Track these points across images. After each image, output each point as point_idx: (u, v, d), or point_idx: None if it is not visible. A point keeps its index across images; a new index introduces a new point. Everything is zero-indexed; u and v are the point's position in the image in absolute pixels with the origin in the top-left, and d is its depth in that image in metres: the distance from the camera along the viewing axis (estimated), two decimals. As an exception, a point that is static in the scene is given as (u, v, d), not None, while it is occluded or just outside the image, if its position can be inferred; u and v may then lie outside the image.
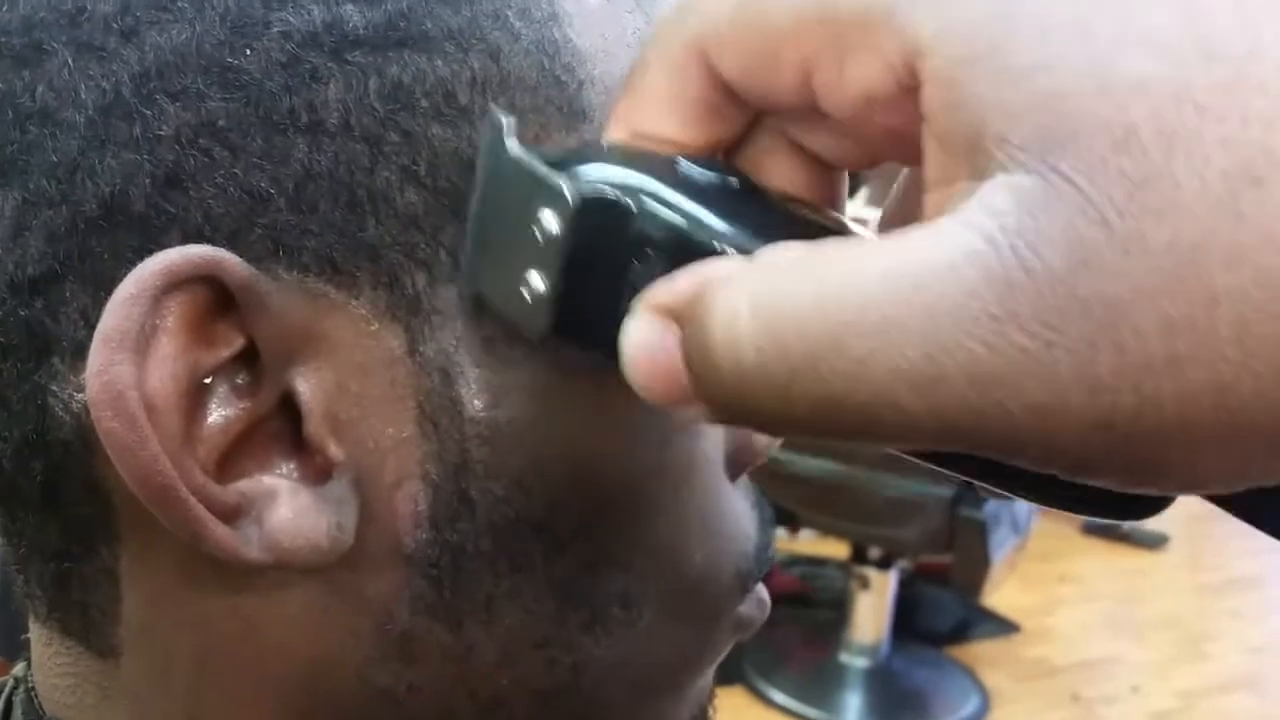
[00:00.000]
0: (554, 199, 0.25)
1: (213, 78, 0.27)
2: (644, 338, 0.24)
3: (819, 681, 2.73)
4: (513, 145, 0.26)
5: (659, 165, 0.26)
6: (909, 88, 0.22)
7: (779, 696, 2.67)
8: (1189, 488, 0.21)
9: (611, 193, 0.25)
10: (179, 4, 0.27)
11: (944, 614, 3.00)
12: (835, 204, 0.28)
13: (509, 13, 0.29)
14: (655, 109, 0.26)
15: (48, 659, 0.34)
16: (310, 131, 0.27)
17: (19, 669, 0.38)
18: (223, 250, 0.27)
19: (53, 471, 0.29)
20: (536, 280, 0.26)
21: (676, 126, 0.26)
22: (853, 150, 0.26)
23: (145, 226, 0.27)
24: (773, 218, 0.26)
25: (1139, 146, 0.19)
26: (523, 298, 0.26)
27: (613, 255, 0.25)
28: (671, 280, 0.24)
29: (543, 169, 0.25)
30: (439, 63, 0.28)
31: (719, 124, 0.26)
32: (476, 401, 0.29)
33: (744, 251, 0.24)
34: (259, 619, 0.30)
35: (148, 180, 0.27)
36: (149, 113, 0.27)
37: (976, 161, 0.20)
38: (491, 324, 0.29)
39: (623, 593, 0.33)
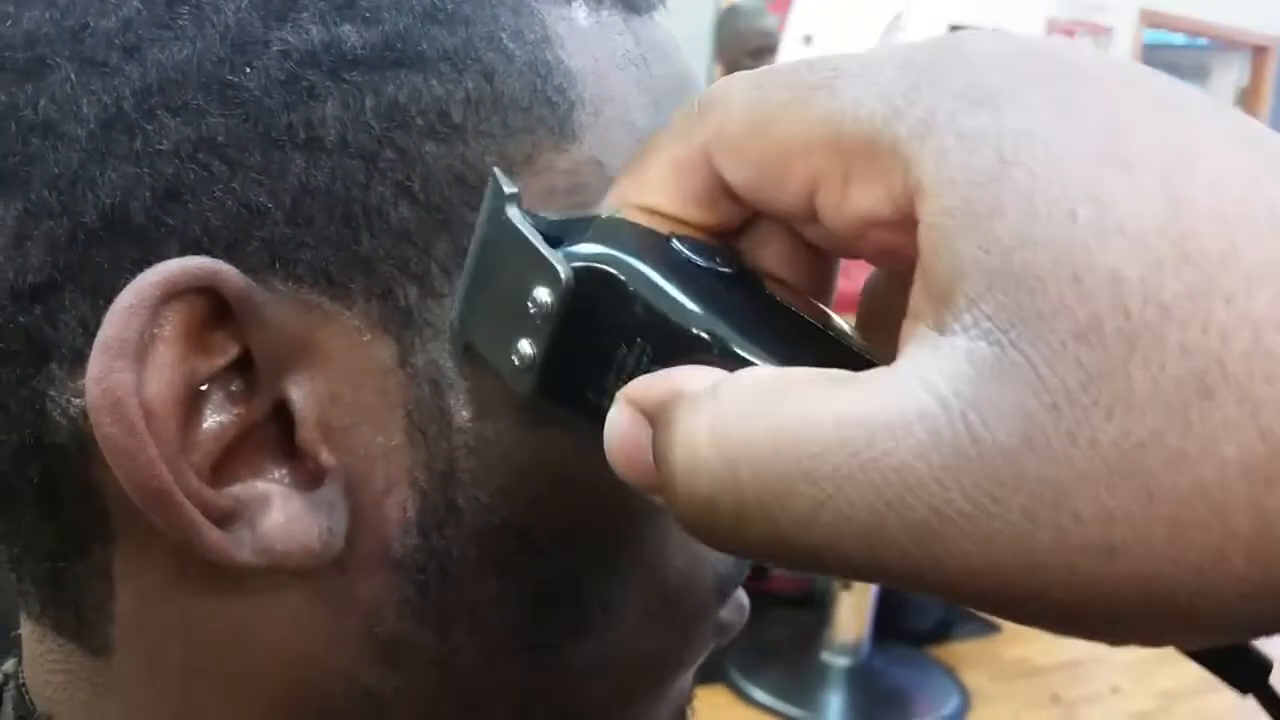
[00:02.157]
0: (548, 276, 0.26)
1: (213, 94, 0.28)
2: (623, 428, 0.25)
3: (800, 680, 2.74)
4: (513, 214, 0.27)
5: (653, 244, 0.27)
6: (908, 216, 0.22)
7: (761, 695, 2.68)
8: (1123, 644, 0.22)
9: (603, 274, 0.26)
10: (180, 22, 0.28)
11: (925, 613, 3.02)
12: (827, 286, 0.29)
13: (503, 35, 0.30)
14: (657, 193, 0.27)
15: (39, 656, 0.35)
16: (307, 148, 0.28)
17: (9, 665, 0.38)
18: (220, 262, 0.27)
19: (49, 474, 0.30)
20: (526, 347, 0.27)
21: (677, 208, 0.27)
22: (844, 242, 0.27)
23: (144, 238, 0.28)
24: (758, 308, 0.27)
25: (1100, 340, 0.19)
26: (512, 361, 0.28)
27: (601, 333, 0.26)
28: (648, 382, 0.25)
29: (540, 245, 0.26)
30: (434, 82, 0.29)
31: (718, 214, 0.27)
32: (464, 412, 0.30)
33: (724, 343, 0.25)
34: (249, 620, 0.31)
35: (148, 193, 0.28)
36: (150, 127, 0.28)
37: (945, 311, 0.21)
38: None
39: (604, 598, 0.34)
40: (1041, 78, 0.22)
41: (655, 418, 0.24)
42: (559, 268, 0.26)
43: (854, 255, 0.27)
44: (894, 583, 0.22)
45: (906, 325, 0.22)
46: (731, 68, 3.02)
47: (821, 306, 0.28)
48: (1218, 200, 0.20)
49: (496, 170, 0.28)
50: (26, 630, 0.36)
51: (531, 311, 0.27)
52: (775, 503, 0.21)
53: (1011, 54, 0.23)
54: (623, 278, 0.26)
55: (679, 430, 0.23)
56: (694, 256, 0.27)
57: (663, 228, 0.27)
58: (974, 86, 0.22)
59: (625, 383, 0.25)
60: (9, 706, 0.37)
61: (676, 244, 0.27)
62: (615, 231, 0.27)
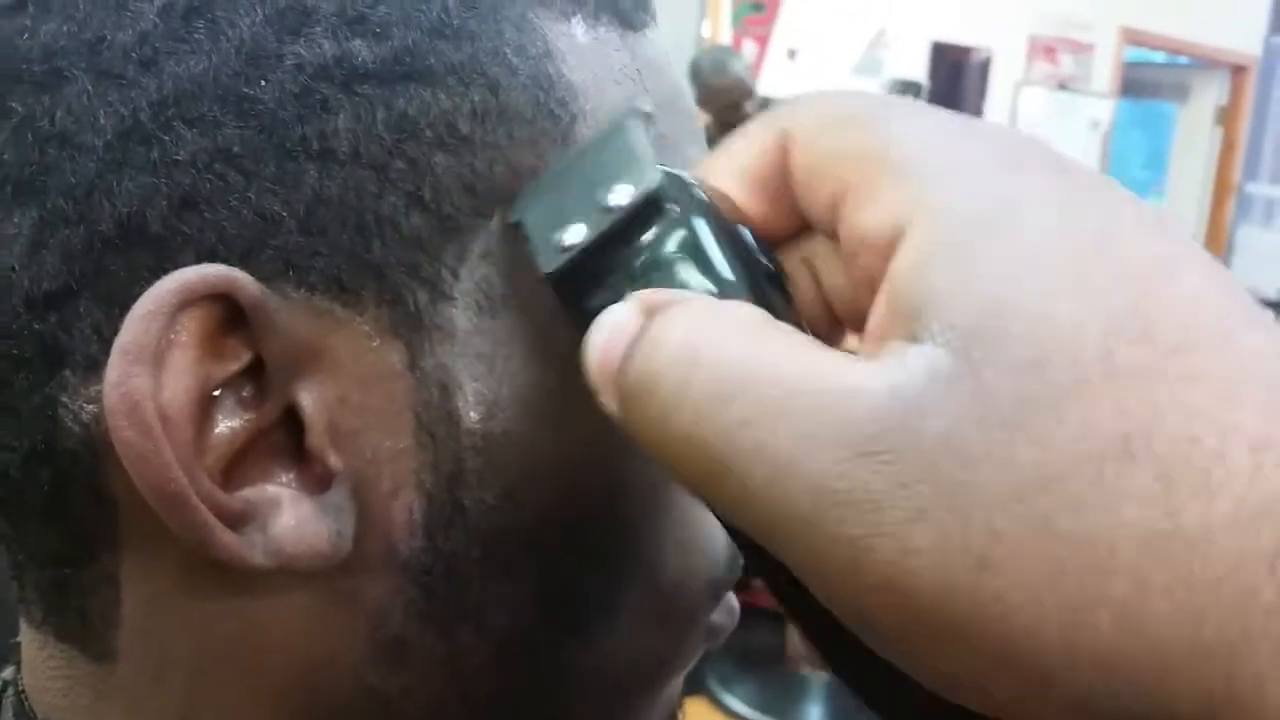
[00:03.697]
0: (638, 175, 0.28)
1: (228, 106, 0.28)
2: (617, 319, 0.26)
3: (780, 692, 2.75)
4: (634, 123, 0.29)
5: (725, 219, 0.28)
6: (893, 243, 0.24)
7: (740, 707, 2.68)
8: (934, 685, 0.22)
9: (681, 208, 0.28)
10: (196, 36, 0.29)
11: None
12: (841, 333, 0.30)
13: (507, 50, 0.31)
14: (730, 168, 0.29)
15: (40, 662, 0.35)
16: (321, 159, 0.29)
17: (8, 672, 0.38)
18: (236, 270, 0.28)
19: (59, 480, 0.30)
20: (576, 233, 0.28)
21: (739, 189, 0.29)
22: (850, 304, 0.28)
23: (161, 246, 0.28)
24: (778, 308, 0.28)
25: (1046, 375, 0.20)
26: (556, 240, 0.29)
27: (645, 253, 0.28)
28: (662, 291, 0.26)
29: (648, 149, 0.28)
30: (442, 96, 0.30)
31: (772, 209, 0.29)
32: (472, 414, 0.31)
33: None
34: (257, 622, 0.31)
35: (164, 202, 0.28)
36: (166, 138, 0.28)
37: (913, 326, 0.22)
38: (488, 339, 0.30)
39: (603, 600, 0.35)
40: (1073, 177, 0.24)
41: (648, 314, 0.25)
42: (653, 169, 0.28)
43: (854, 318, 0.28)
44: (761, 530, 0.22)
45: (864, 348, 0.24)
46: (715, 118, 2.96)
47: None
48: (1188, 310, 0.21)
49: (639, 102, 0.29)
50: (27, 637, 0.36)
51: (602, 202, 0.28)
52: (710, 403, 0.23)
53: (1049, 151, 0.25)
54: (693, 219, 0.28)
55: (663, 315, 0.25)
56: (755, 247, 0.28)
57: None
58: (1006, 150, 0.24)
59: None
60: (9, 713, 0.37)
61: (746, 232, 0.29)
62: (704, 189, 0.29)
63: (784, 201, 0.28)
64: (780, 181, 0.28)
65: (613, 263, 0.28)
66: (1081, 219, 0.23)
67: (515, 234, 0.30)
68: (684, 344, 0.24)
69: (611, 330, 0.26)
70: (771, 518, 0.22)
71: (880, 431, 0.21)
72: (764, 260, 0.28)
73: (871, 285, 0.25)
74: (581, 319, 0.28)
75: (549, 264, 0.29)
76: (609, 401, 0.26)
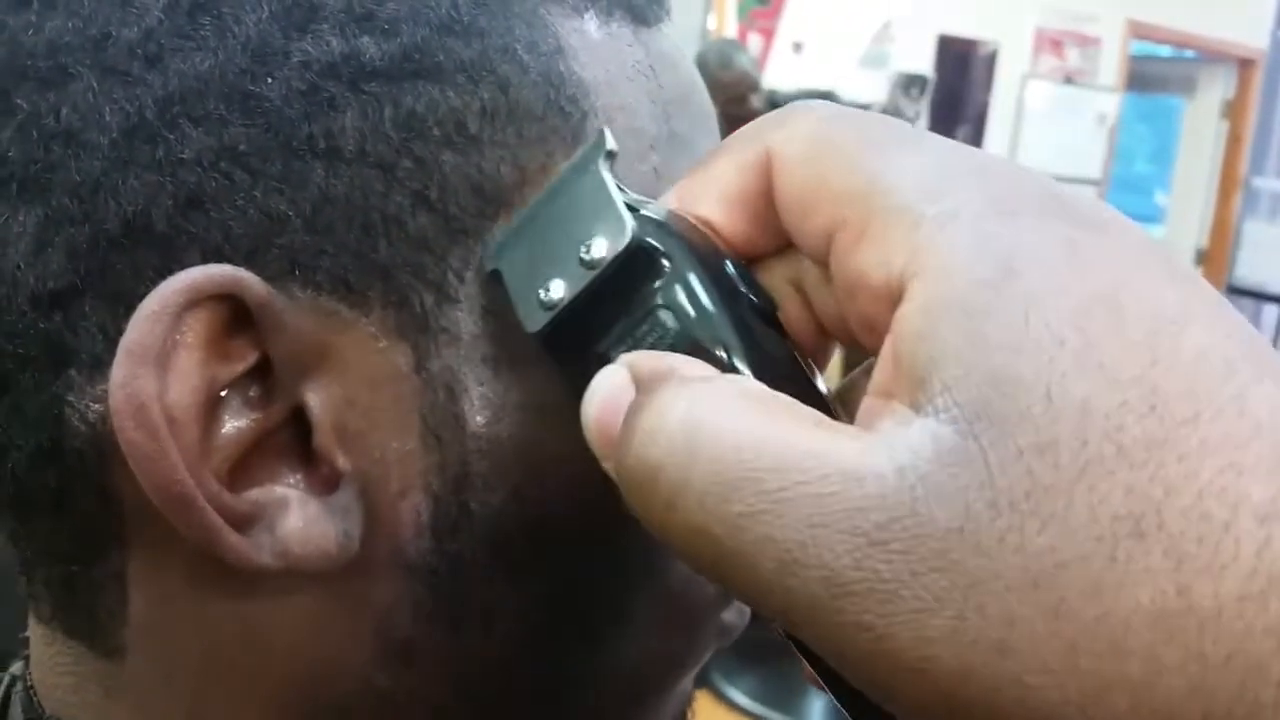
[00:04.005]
0: (614, 230, 0.27)
1: (234, 104, 0.28)
2: (610, 384, 0.26)
3: (783, 686, 2.75)
4: (604, 166, 0.28)
5: (710, 253, 0.28)
6: (894, 293, 0.23)
7: (743, 700, 2.69)
8: None
9: (657, 253, 0.27)
10: (202, 33, 0.28)
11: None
12: (829, 347, 0.30)
13: (517, 46, 0.30)
14: (710, 190, 0.28)
15: (49, 658, 0.35)
16: (327, 157, 0.28)
17: (16, 667, 0.38)
18: (242, 270, 0.28)
19: (65, 479, 0.30)
20: (557, 289, 0.28)
21: (720, 213, 0.28)
22: (839, 323, 0.27)
23: (166, 245, 0.28)
24: (773, 346, 0.28)
25: (1054, 459, 0.20)
26: (537, 296, 0.28)
27: (627, 303, 0.27)
28: (651, 356, 0.26)
29: (619, 201, 0.28)
30: (450, 93, 0.29)
31: (754, 230, 0.28)
32: (478, 417, 0.30)
33: (733, 363, 0.26)
34: (264, 623, 0.31)
35: (169, 201, 0.28)
36: (172, 136, 0.28)
37: (918, 394, 0.22)
38: (493, 342, 0.30)
39: (612, 601, 0.34)
40: (1074, 218, 0.23)
41: (643, 385, 0.25)
42: (628, 226, 0.27)
43: (844, 335, 0.28)
44: (780, 616, 0.22)
45: (868, 402, 0.23)
46: (721, 112, 2.97)
47: (812, 365, 0.29)
48: (1194, 373, 0.21)
49: (606, 129, 0.29)
50: (36, 633, 0.36)
51: (581, 257, 0.28)
52: (713, 495, 0.22)
53: (1056, 190, 0.24)
54: (674, 265, 0.27)
55: (659, 397, 0.24)
56: (739, 280, 0.28)
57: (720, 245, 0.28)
58: (1009, 198, 0.23)
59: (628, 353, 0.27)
60: (17, 708, 0.37)
61: (729, 264, 0.28)
62: (681, 227, 0.28)
63: (768, 223, 0.27)
64: (764, 204, 0.27)
65: (599, 317, 0.28)
66: (1084, 272, 0.22)
67: (490, 283, 0.30)
68: (681, 431, 0.23)
69: (605, 398, 0.26)
70: (786, 606, 0.22)
71: (889, 520, 0.21)
72: (749, 295, 0.28)
73: (868, 324, 0.25)
74: (571, 375, 0.28)
75: (534, 323, 0.28)
76: (612, 469, 0.25)
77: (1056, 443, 0.20)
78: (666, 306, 0.27)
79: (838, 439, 0.22)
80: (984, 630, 0.20)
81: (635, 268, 0.27)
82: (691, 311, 0.27)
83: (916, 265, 0.23)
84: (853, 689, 0.23)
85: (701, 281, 0.27)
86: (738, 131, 0.28)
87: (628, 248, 0.27)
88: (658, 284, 0.27)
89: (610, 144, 0.28)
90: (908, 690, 0.21)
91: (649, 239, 0.27)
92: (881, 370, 0.23)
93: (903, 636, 0.21)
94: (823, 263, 0.26)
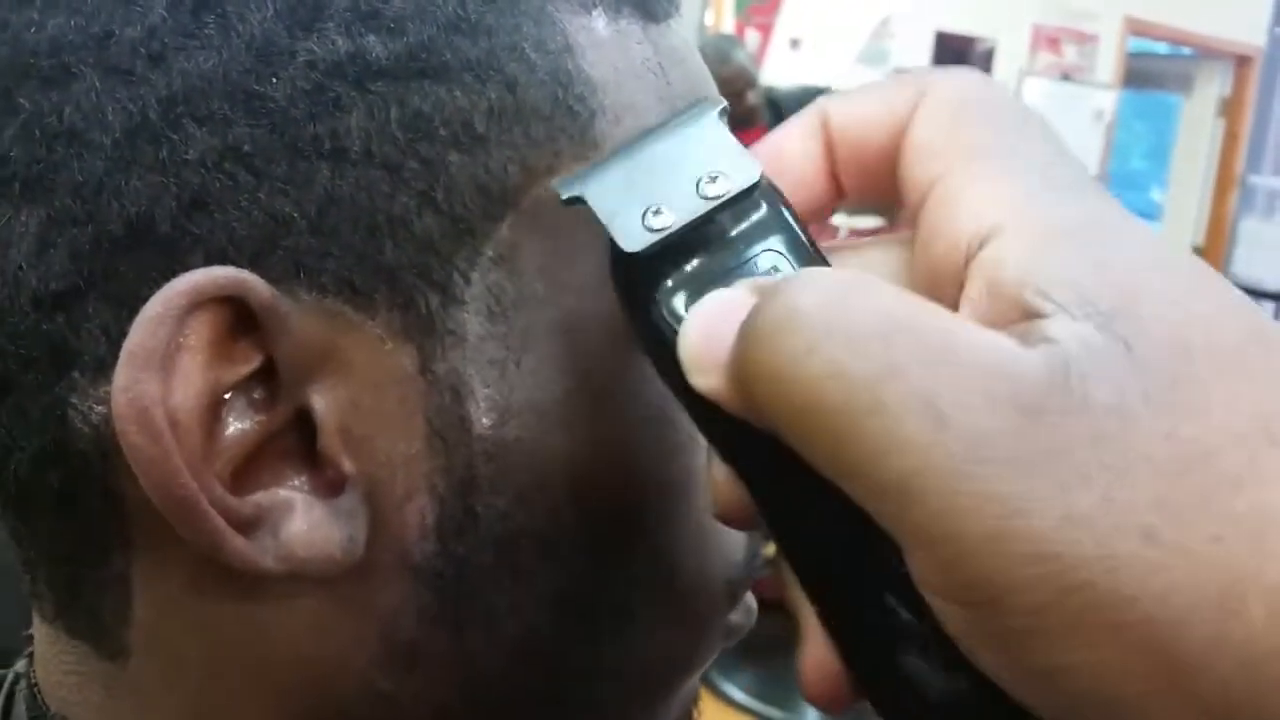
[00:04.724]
0: (741, 168, 0.28)
1: (239, 104, 0.28)
2: (727, 298, 0.26)
3: (781, 682, 2.75)
4: (721, 119, 0.30)
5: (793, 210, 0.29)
6: (976, 241, 0.24)
7: (740, 696, 2.69)
8: (1034, 682, 0.22)
9: (777, 200, 0.28)
10: (206, 31, 0.28)
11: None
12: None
13: (525, 45, 0.30)
14: (772, 154, 0.30)
15: (52, 657, 0.35)
16: (333, 158, 0.28)
17: (20, 665, 0.38)
18: (246, 272, 0.27)
19: (69, 480, 0.30)
20: (667, 215, 0.28)
21: (780, 175, 0.29)
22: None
23: (170, 247, 0.28)
24: None
25: (1192, 359, 0.21)
26: (640, 220, 0.28)
27: (737, 250, 0.28)
28: (775, 278, 0.26)
29: (741, 145, 0.29)
30: (457, 93, 0.29)
31: (810, 191, 0.30)
32: (484, 419, 0.30)
33: None
34: (268, 625, 0.31)
35: (173, 202, 0.28)
36: (175, 137, 0.28)
37: (1042, 306, 0.22)
38: (499, 344, 0.30)
39: (618, 603, 0.34)
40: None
41: (770, 290, 0.24)
42: (758, 166, 0.28)
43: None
44: (894, 485, 0.21)
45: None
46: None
47: None
48: None
49: (710, 97, 0.30)
50: (39, 632, 0.36)
51: (700, 190, 0.28)
52: (864, 340, 0.22)
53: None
54: (782, 213, 0.28)
55: (800, 278, 0.23)
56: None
57: None
58: (1085, 175, 0.26)
59: None
60: (21, 706, 0.37)
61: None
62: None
63: (816, 182, 0.29)
64: (822, 155, 0.29)
65: (691, 254, 0.28)
66: (1166, 244, 0.23)
67: (566, 207, 0.29)
68: (836, 285, 0.23)
69: (721, 305, 0.25)
70: (915, 471, 0.21)
71: (1045, 392, 0.21)
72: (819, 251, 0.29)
73: (932, 277, 0.25)
74: (646, 307, 0.28)
75: (635, 243, 0.27)
76: (706, 378, 0.25)
77: (1193, 345, 0.21)
78: (775, 251, 0.28)
79: (988, 330, 0.22)
80: (1132, 512, 0.20)
81: (754, 211, 0.28)
82: (795, 260, 0.28)
83: (1014, 212, 0.24)
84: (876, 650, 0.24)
85: (802, 235, 0.28)
86: (900, 75, 0.29)
87: (754, 183, 0.28)
88: (777, 234, 0.28)
89: (724, 103, 0.30)
90: (1028, 583, 0.20)
91: (769, 183, 0.28)
92: (973, 310, 0.23)
93: (1043, 512, 0.20)
94: (913, 210, 0.27)
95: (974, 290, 0.24)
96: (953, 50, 5.11)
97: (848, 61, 4.74)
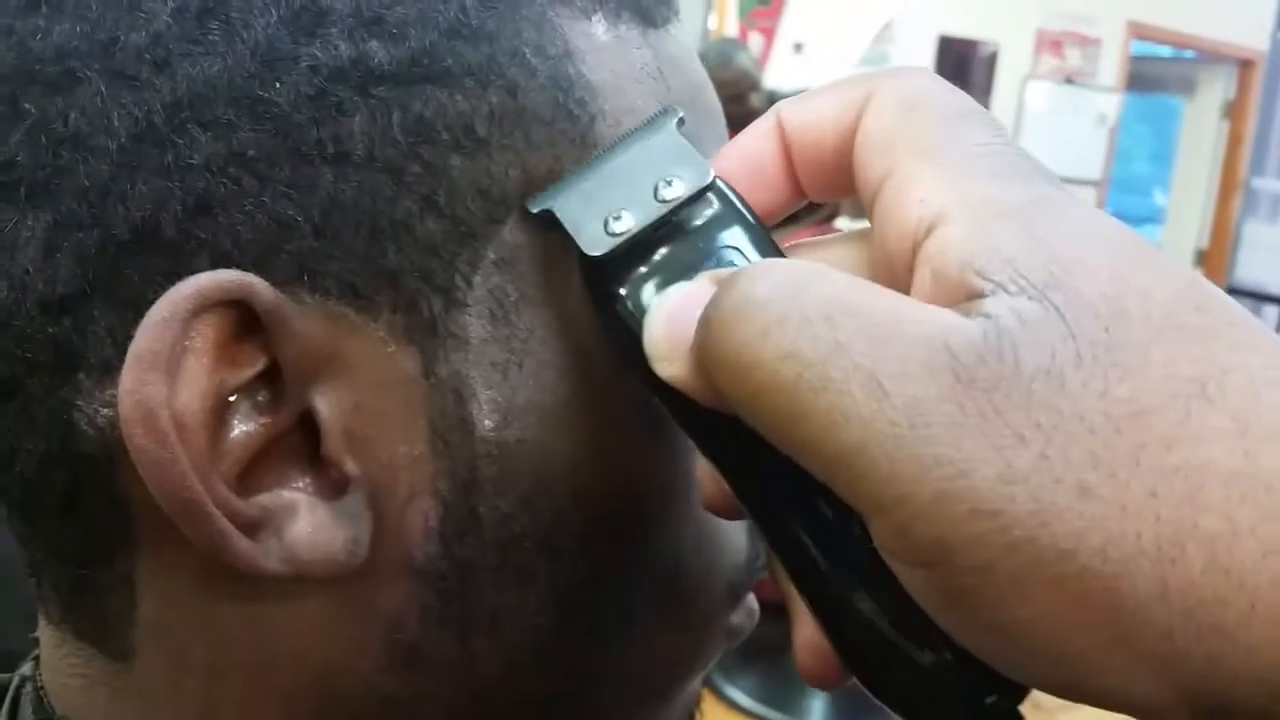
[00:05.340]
0: (695, 171, 0.30)
1: (243, 109, 0.28)
2: (688, 289, 0.27)
3: (783, 684, 2.75)
4: (678, 127, 0.31)
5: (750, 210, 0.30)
6: (925, 227, 0.25)
7: (743, 699, 2.68)
8: (994, 640, 0.23)
9: (730, 200, 0.30)
10: (210, 37, 0.28)
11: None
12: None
13: (526, 50, 0.30)
14: (733, 158, 0.31)
15: (58, 660, 0.35)
16: (336, 162, 0.28)
17: (26, 668, 0.38)
18: (251, 275, 0.28)
19: (75, 483, 0.30)
20: (627, 220, 0.30)
21: (740, 178, 0.30)
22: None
23: (175, 251, 0.28)
24: None
25: (1127, 323, 0.22)
26: (602, 225, 0.30)
27: (697, 243, 0.29)
28: (733, 270, 0.27)
29: (691, 146, 0.30)
30: (459, 98, 0.29)
31: (770, 191, 0.31)
32: (487, 422, 0.30)
33: None
34: (272, 627, 0.31)
35: (178, 206, 0.28)
36: (180, 141, 0.28)
37: (980, 285, 0.23)
38: (502, 346, 0.30)
39: (621, 605, 0.34)
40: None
41: (728, 279, 0.25)
42: (710, 168, 0.30)
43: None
44: (844, 458, 0.22)
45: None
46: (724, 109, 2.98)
47: None
48: (1227, 299, 0.24)
49: (668, 107, 0.32)
50: (45, 635, 0.36)
51: (657, 194, 0.30)
52: (814, 322, 0.23)
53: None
54: (737, 211, 0.30)
55: (756, 268, 0.25)
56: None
57: None
58: (1036, 167, 0.27)
59: None
60: (28, 709, 0.37)
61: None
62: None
63: (774, 185, 0.30)
64: (780, 159, 0.30)
65: (652, 253, 0.29)
66: (1109, 219, 0.25)
67: (541, 223, 0.30)
68: (789, 274, 0.24)
69: (683, 296, 0.27)
70: (862, 441, 0.22)
71: (978, 360, 0.22)
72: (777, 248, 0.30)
73: (887, 266, 0.26)
74: (611, 305, 0.29)
75: (597, 247, 0.29)
76: (670, 366, 0.26)
77: (1128, 311, 0.22)
78: (733, 247, 0.29)
79: (925, 304, 0.24)
80: (1068, 469, 0.21)
81: (711, 211, 0.30)
82: (753, 253, 0.29)
83: (958, 198, 0.25)
84: (889, 595, 0.24)
85: (759, 230, 0.30)
86: (853, 76, 0.30)
87: (708, 185, 0.29)
88: (735, 234, 0.29)
89: (681, 112, 0.31)
90: (973, 541, 0.21)
91: (723, 184, 0.30)
92: (921, 295, 0.25)
93: (982, 473, 0.21)
94: (868, 204, 0.28)
95: (920, 276, 0.25)
96: (955, 54, 5.11)
97: (851, 65, 4.73)
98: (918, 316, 0.23)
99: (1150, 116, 6.98)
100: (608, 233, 0.29)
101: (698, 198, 0.30)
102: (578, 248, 0.29)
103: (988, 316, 0.22)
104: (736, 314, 0.24)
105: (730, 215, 0.30)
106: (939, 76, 0.29)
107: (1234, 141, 6.44)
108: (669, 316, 0.27)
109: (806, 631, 0.30)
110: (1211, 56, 6.37)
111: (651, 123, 0.31)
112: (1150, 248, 0.24)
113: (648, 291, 0.29)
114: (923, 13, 4.92)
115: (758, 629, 0.41)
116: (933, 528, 0.22)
